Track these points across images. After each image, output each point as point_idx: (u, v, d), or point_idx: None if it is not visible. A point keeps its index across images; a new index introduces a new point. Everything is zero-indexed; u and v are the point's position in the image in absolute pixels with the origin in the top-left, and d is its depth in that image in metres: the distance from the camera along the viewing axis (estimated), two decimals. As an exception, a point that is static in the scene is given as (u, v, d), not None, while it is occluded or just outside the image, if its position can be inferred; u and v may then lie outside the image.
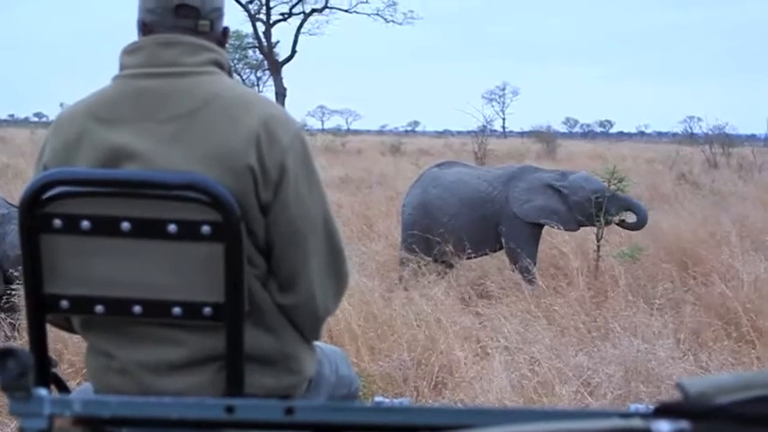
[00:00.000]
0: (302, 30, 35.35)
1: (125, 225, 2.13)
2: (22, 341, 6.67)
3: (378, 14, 35.27)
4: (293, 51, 35.56)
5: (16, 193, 11.25)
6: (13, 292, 7.29)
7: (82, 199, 2.14)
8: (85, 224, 2.14)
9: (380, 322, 6.64)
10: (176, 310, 2.17)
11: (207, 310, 2.16)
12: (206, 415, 1.39)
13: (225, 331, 2.16)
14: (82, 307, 2.21)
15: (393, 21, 35.30)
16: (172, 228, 2.12)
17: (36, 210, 2.14)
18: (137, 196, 2.13)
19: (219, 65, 2.34)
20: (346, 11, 35.71)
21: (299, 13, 35.67)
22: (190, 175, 2.12)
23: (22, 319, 6.80)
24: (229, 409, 1.36)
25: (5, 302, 7.28)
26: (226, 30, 2.43)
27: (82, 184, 2.14)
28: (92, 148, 2.21)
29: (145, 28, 2.34)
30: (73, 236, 2.15)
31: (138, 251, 2.15)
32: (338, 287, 2.39)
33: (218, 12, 2.40)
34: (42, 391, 1.37)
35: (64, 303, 2.21)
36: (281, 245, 2.26)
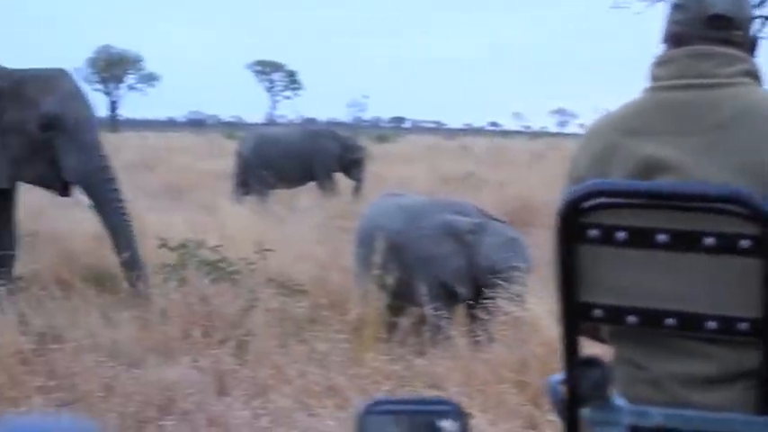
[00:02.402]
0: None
1: (661, 237, 2.12)
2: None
3: None
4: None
5: (480, 201, 11.70)
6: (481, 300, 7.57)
7: (618, 210, 2.16)
8: (621, 235, 2.15)
9: None
10: (711, 324, 2.13)
11: (743, 325, 2.10)
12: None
13: (761, 348, 2.10)
14: (614, 317, 2.23)
15: None
16: (709, 241, 2.08)
17: (574, 219, 2.19)
18: (673, 208, 2.12)
19: (752, 75, 2.29)
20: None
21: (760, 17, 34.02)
22: (731, 187, 2.08)
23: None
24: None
25: (479, 307, 7.54)
26: (755, 39, 2.38)
27: (621, 196, 2.16)
28: (623, 160, 2.25)
29: (675, 39, 2.34)
30: (608, 246, 2.17)
31: (674, 263, 2.13)
32: None
33: (750, 21, 2.35)
34: (621, 401, 1.40)
35: (597, 312, 2.24)
36: None
